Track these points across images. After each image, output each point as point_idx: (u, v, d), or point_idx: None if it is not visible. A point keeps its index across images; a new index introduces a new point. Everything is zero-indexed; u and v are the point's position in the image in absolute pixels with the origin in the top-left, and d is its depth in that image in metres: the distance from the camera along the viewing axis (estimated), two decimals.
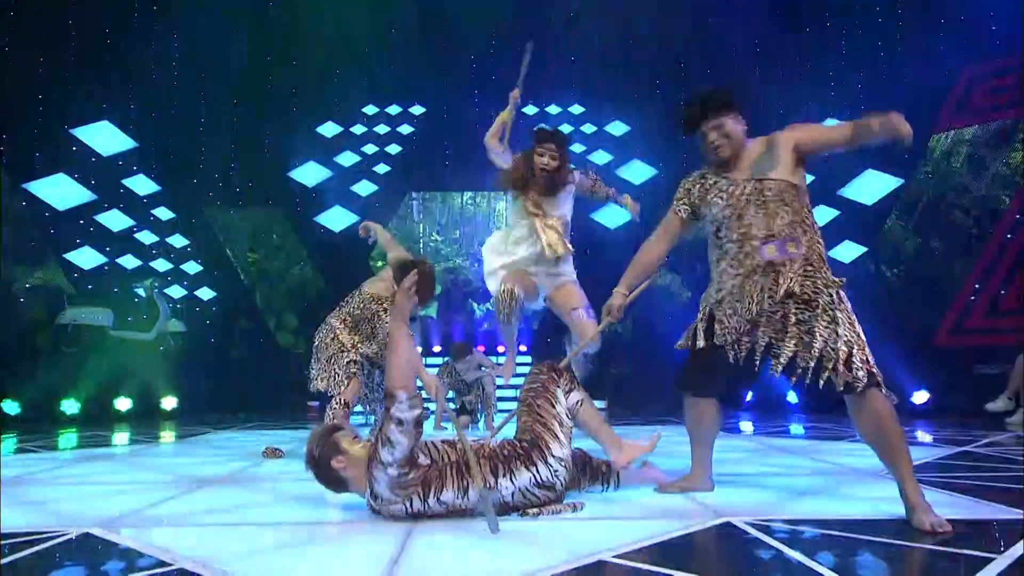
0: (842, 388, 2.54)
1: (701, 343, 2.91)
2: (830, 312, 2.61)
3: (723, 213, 2.86)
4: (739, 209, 2.81)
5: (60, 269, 9.23)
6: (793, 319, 2.66)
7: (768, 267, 2.72)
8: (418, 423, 2.45)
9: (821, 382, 2.57)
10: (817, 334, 2.59)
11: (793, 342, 2.65)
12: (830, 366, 2.55)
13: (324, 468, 2.60)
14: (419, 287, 4.20)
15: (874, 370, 2.54)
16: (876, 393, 2.53)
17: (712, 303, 2.91)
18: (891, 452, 2.50)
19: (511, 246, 4.19)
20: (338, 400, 4.14)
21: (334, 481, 2.63)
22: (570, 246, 4.14)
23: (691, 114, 2.92)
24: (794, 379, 2.67)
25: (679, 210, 3.05)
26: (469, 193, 11.34)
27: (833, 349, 2.56)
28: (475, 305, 10.89)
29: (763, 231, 2.74)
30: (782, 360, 2.67)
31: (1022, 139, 8.72)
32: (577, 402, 2.87)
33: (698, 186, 2.99)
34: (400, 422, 2.40)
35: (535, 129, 4.14)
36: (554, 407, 2.76)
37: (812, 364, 2.59)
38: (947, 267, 9.11)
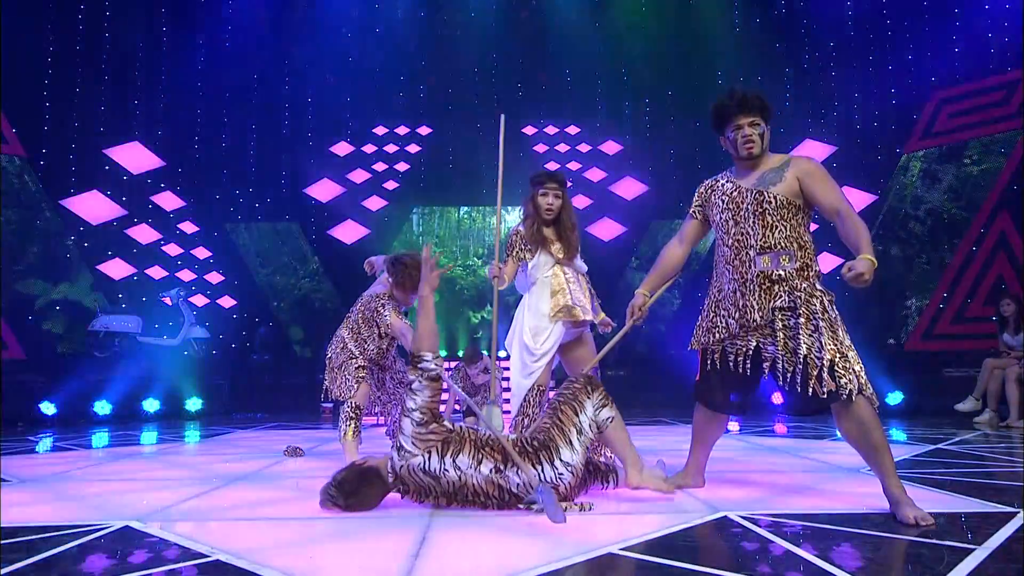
0: (826, 396, 2.49)
1: (710, 365, 2.87)
2: (814, 321, 2.56)
3: (721, 216, 2.83)
4: (737, 215, 2.76)
5: (86, 282, 9.23)
6: (780, 324, 2.63)
7: (761, 277, 2.68)
8: (437, 378, 2.65)
9: (809, 389, 2.52)
10: (801, 342, 2.55)
11: (779, 347, 2.62)
12: (815, 374, 2.51)
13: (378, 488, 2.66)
14: (409, 276, 4.19)
15: (861, 378, 2.49)
16: (860, 400, 2.47)
17: (713, 301, 2.89)
18: (874, 453, 2.48)
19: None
20: (350, 404, 4.13)
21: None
22: (600, 313, 3.72)
23: (730, 105, 2.75)
24: (782, 384, 2.63)
25: (694, 213, 3.01)
26: (465, 208, 11.40)
27: (817, 357, 2.52)
28: (471, 313, 10.89)
29: (759, 241, 2.69)
30: (774, 365, 2.65)
31: (970, 155, 8.78)
32: (608, 419, 2.76)
33: (708, 189, 2.95)
34: (423, 372, 2.63)
35: (532, 175, 3.72)
36: (577, 415, 2.70)
37: (797, 370, 2.56)
38: (905, 272, 9.18)
